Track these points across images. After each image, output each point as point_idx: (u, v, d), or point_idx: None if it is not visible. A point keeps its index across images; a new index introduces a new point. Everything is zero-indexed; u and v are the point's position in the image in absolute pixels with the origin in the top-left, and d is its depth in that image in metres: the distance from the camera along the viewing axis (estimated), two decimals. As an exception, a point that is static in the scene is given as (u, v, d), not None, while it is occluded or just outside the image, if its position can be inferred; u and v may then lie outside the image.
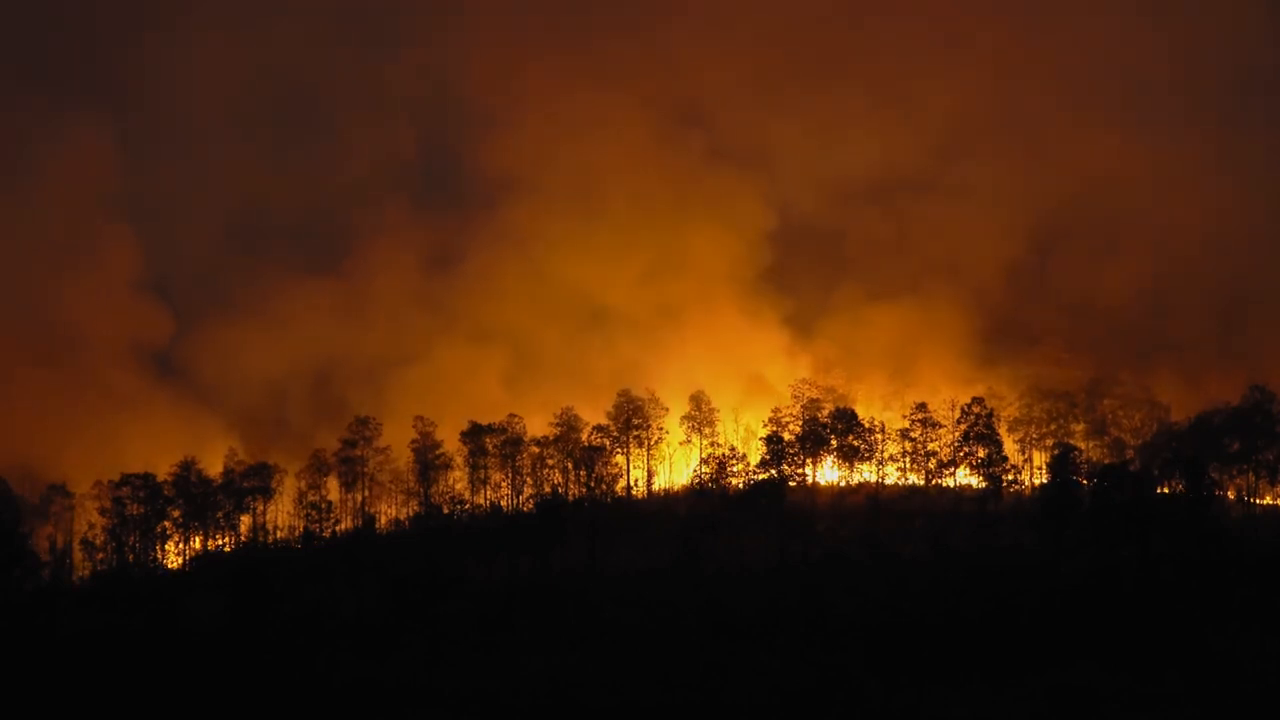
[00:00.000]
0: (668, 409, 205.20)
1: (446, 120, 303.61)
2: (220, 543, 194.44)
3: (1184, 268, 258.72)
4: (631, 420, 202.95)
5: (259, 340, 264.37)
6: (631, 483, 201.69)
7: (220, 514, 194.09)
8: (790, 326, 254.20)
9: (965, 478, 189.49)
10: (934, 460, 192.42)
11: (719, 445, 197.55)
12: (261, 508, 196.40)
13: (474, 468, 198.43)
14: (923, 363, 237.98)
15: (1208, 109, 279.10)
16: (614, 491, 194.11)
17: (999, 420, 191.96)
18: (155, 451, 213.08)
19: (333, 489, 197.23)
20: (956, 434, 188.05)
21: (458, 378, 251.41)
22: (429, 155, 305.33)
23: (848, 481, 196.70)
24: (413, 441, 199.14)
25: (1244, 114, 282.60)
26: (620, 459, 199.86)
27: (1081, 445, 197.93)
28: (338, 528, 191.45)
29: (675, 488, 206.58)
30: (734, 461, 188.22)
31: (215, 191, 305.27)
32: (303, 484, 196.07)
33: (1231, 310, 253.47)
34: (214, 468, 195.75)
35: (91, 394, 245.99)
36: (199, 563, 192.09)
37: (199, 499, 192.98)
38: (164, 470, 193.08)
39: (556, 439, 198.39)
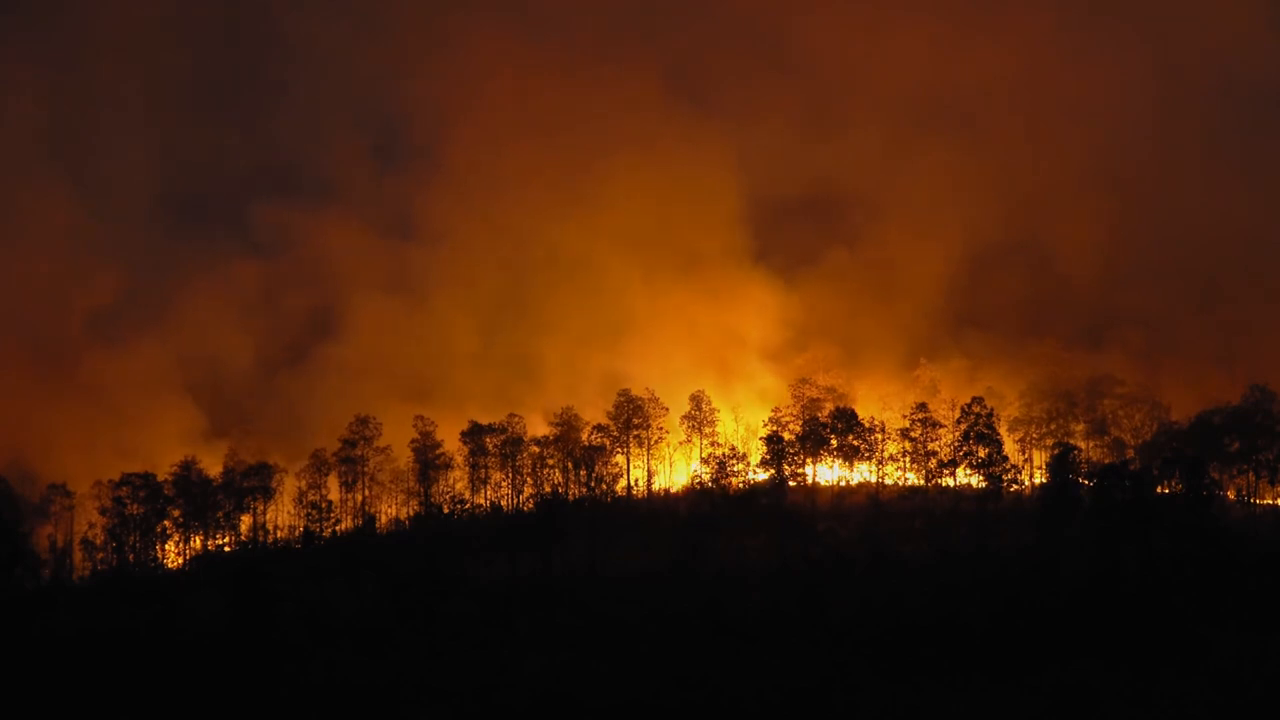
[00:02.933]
0: (668, 409, 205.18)
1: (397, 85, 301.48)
2: (220, 543, 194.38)
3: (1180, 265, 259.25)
4: (631, 420, 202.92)
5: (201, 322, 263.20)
6: (631, 483, 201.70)
7: (220, 514, 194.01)
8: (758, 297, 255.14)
9: (965, 478, 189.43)
10: (934, 460, 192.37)
11: (719, 445, 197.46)
12: (261, 508, 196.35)
13: (474, 467, 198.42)
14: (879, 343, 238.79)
15: (1185, 115, 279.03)
16: (614, 491, 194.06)
17: (999, 420, 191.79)
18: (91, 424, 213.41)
19: (333, 489, 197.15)
20: (956, 434, 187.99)
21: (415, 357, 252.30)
22: (381, 117, 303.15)
23: (848, 481, 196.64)
24: (413, 441, 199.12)
25: (1231, 117, 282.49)
26: (620, 459, 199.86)
27: (1081, 445, 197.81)
28: (338, 528, 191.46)
29: (675, 488, 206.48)
30: (734, 461, 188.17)
31: (150, 154, 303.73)
32: (303, 484, 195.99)
33: (1229, 307, 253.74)
34: (214, 468, 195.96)
35: (80, 386, 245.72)
36: (199, 563, 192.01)
37: (199, 499, 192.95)
38: (164, 470, 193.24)
39: (556, 439, 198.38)
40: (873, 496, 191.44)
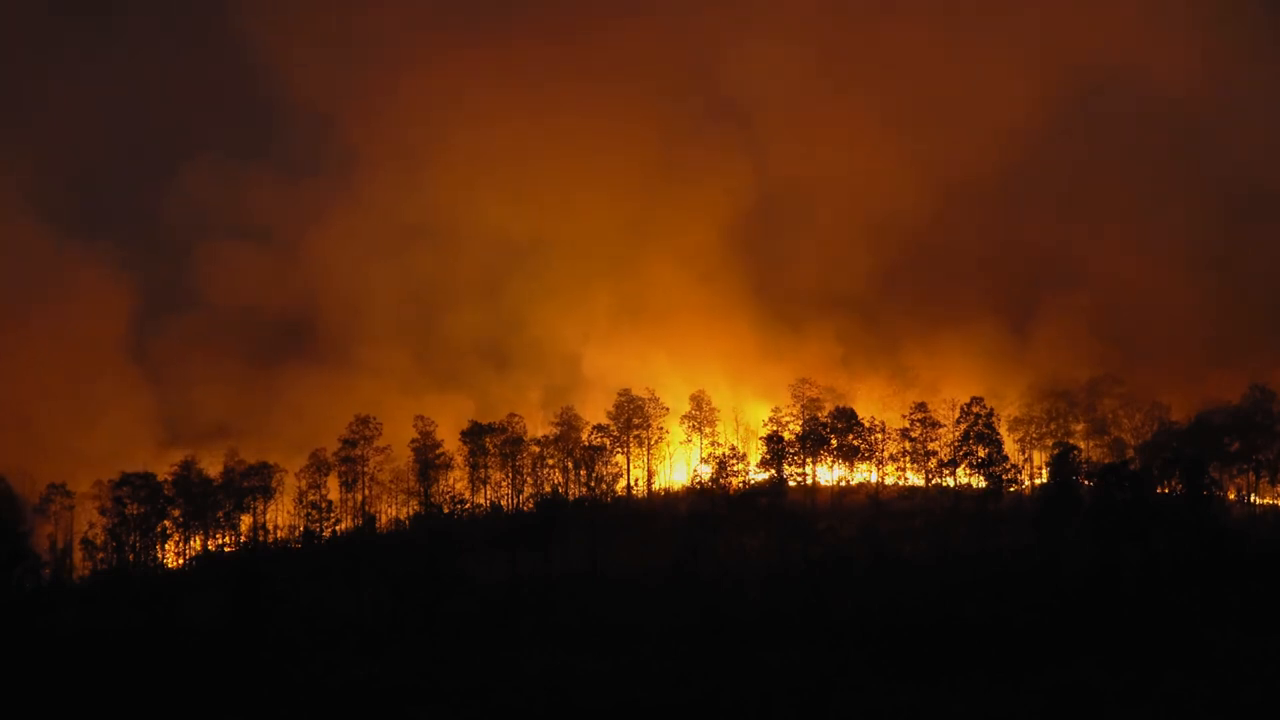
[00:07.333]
0: (668, 409, 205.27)
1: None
2: (220, 543, 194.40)
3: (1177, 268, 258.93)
4: (632, 420, 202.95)
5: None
6: (631, 483, 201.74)
7: (220, 514, 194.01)
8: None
9: (965, 478, 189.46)
10: (934, 460, 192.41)
11: (719, 445, 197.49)
12: (261, 508, 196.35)
13: (474, 467, 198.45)
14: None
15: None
16: (614, 491, 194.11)
17: (999, 420, 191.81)
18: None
19: (333, 489, 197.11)
20: (956, 434, 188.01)
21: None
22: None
23: (848, 481, 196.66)
24: (413, 441, 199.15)
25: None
26: (620, 459, 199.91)
27: (1081, 445, 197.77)
28: (338, 528, 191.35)
29: (675, 488, 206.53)
30: (734, 461, 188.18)
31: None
32: (303, 484, 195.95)
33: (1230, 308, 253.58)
34: (214, 468, 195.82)
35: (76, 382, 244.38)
36: (199, 563, 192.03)
37: (199, 499, 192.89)
38: (164, 470, 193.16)
39: (556, 438, 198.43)
40: (873, 496, 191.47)
